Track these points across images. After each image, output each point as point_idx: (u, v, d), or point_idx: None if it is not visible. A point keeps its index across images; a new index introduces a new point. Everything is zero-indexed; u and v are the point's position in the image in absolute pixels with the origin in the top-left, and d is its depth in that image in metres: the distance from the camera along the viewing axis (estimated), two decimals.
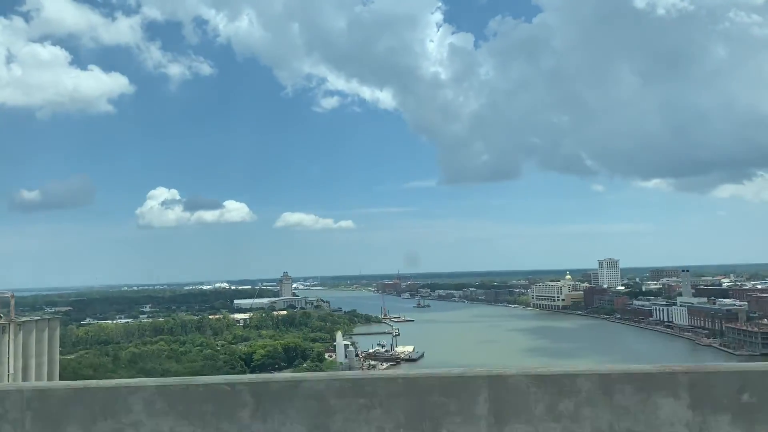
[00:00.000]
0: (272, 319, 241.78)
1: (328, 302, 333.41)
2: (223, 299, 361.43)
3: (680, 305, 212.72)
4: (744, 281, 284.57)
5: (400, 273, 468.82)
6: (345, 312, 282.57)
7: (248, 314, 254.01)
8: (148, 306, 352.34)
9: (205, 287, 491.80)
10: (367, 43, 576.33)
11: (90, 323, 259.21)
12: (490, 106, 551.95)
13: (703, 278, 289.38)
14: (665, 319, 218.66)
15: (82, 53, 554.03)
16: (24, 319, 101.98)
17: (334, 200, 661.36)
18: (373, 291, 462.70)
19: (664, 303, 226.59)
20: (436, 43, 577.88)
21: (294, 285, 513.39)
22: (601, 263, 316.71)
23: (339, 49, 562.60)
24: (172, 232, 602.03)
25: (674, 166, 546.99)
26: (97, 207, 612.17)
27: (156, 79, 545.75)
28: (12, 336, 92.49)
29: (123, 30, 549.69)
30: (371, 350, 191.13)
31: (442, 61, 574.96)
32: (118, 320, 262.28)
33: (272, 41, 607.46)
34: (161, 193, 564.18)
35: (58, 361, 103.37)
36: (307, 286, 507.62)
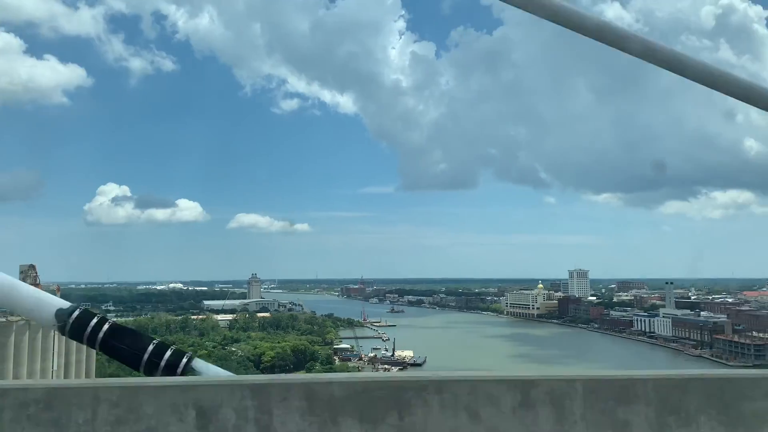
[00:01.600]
0: (257, 321, 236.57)
1: (301, 305, 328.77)
2: (190, 300, 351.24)
3: (663, 316, 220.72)
4: (704, 295, 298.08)
5: (364, 278, 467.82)
6: (323, 316, 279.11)
7: (231, 315, 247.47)
8: (109, 305, 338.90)
9: (158, 287, 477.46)
10: (329, 47, 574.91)
11: None
12: (450, 116, 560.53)
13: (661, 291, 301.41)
14: (647, 330, 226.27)
15: (39, 42, 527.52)
16: None
17: (290, 203, 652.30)
18: (337, 295, 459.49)
19: (646, 314, 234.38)
20: (398, 51, 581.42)
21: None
22: (571, 273, 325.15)
23: (301, 52, 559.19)
24: (121, 230, 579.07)
25: (624, 182, 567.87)
26: (44, 201, 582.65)
27: (116, 72, 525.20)
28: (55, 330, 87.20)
29: (85, 20, 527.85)
30: (371, 354, 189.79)
31: (404, 68, 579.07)
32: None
33: (233, 40, 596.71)
34: (111, 189, 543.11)
35: (94, 358, 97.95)
36: (266, 288, 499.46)
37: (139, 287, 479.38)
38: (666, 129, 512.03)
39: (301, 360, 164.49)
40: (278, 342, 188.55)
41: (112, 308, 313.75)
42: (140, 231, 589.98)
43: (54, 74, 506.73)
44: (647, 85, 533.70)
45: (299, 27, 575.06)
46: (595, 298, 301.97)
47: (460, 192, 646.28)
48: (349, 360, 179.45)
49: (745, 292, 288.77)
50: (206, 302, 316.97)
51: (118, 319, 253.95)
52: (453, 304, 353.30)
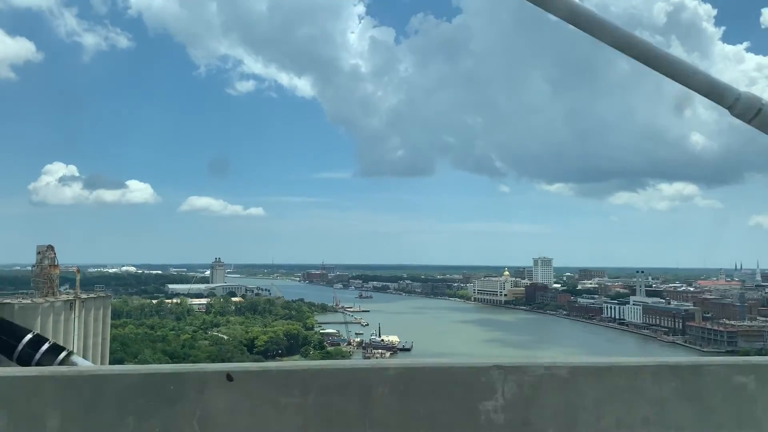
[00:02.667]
0: (234, 305, 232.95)
1: (268, 290, 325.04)
2: (151, 283, 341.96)
3: (633, 304, 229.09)
4: (660, 283, 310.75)
5: (325, 263, 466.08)
6: (294, 301, 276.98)
7: (203, 300, 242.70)
8: (65, 287, 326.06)
9: (110, 270, 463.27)
10: (287, 29, 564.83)
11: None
12: (408, 103, 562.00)
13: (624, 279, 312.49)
14: (616, 317, 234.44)
15: None
16: (85, 296, 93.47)
17: (244, 186, 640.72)
18: (298, 280, 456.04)
19: (616, 302, 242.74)
20: (357, 36, 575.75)
21: (206, 272, 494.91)
22: (536, 261, 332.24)
23: (258, 33, 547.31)
24: (68, 210, 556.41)
25: (576, 172, 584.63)
26: None
27: (68, 48, 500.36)
28: (77, 313, 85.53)
29: None
30: (356, 339, 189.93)
31: (363, 54, 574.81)
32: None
33: (188, 18, 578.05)
34: (58, 169, 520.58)
35: (109, 340, 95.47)
36: (229, 272, 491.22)
37: (91, 269, 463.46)
38: (618, 121, 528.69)
39: (294, 345, 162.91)
40: (260, 327, 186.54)
41: (68, 291, 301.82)
42: (88, 212, 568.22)
43: (1, 47, 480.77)
44: (601, 77, 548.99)
45: (257, 7, 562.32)
46: (559, 285, 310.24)
47: (417, 179, 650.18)
48: (339, 345, 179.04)
49: (700, 281, 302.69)
50: (171, 286, 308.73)
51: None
52: (419, 290, 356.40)
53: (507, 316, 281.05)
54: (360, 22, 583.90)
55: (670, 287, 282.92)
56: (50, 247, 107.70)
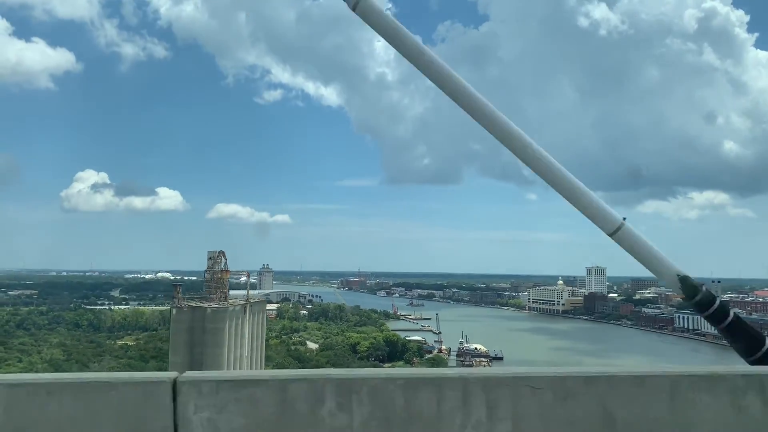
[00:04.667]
0: (308, 311, 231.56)
1: (320, 297, 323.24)
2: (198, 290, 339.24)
3: None
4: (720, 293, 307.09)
5: (361, 270, 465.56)
6: (358, 307, 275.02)
7: (273, 305, 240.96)
8: (116, 292, 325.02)
9: (145, 276, 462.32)
10: (314, 38, 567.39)
11: (106, 308, 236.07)
12: (435, 111, 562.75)
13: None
14: (690, 327, 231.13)
15: (30, 25, 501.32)
16: (253, 300, 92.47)
17: (271, 194, 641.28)
18: (336, 287, 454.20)
19: (688, 311, 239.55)
20: (383, 44, 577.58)
21: (243, 278, 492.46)
22: (589, 271, 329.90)
23: (286, 42, 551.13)
24: (99, 217, 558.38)
25: (605, 180, 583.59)
26: (21, 187, 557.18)
27: (106, 58, 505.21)
28: (248, 317, 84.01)
29: (80, 4, 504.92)
30: (443, 347, 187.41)
31: (389, 62, 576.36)
32: (124, 306, 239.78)
33: (217, 28, 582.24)
34: (90, 176, 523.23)
35: (264, 346, 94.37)
36: (257, 278, 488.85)
37: (127, 276, 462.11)
38: (648, 129, 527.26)
39: (393, 351, 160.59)
40: (336, 333, 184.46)
41: (125, 297, 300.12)
42: (119, 219, 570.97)
43: (42, 58, 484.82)
44: (630, 85, 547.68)
45: (285, 17, 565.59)
46: (616, 295, 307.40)
47: (443, 187, 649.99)
48: (431, 352, 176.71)
49: (756, 292, 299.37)
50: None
51: (156, 308, 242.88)
52: (466, 299, 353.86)
53: (566, 325, 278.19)
54: None
55: (728, 297, 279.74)
56: (221, 253, 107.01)
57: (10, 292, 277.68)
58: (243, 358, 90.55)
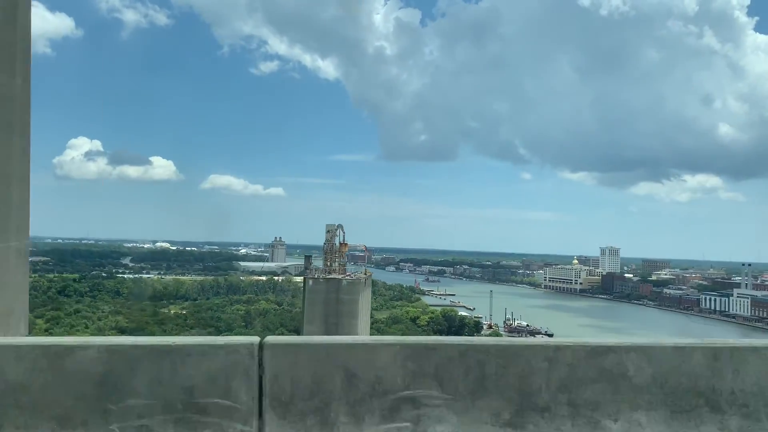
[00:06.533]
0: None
1: None
2: (217, 261, 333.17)
3: (738, 296, 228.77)
4: (723, 277, 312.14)
5: (367, 246, 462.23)
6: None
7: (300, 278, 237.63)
8: (127, 261, 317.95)
9: (143, 246, 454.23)
10: (313, 9, 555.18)
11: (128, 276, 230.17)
12: (433, 86, 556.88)
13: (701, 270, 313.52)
14: (718, 309, 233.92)
15: None
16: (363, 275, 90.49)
17: (266, 166, 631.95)
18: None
19: (715, 293, 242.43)
20: (382, 17, 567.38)
21: (243, 250, 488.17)
22: (603, 251, 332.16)
23: (283, 13, 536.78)
24: (92, 185, 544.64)
25: (601, 161, 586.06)
26: None
27: (107, 24, 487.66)
28: (366, 289, 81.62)
29: None
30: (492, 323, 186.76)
31: (388, 36, 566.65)
32: (147, 275, 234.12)
33: None
34: (83, 143, 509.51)
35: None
36: (260, 251, 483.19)
37: (127, 245, 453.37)
38: (645, 110, 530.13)
39: (451, 326, 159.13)
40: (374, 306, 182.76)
41: (143, 266, 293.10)
42: (112, 187, 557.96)
43: (41, 22, 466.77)
44: (629, 65, 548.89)
45: None
46: (631, 275, 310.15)
47: (439, 163, 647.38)
48: (490, 327, 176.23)
49: (764, 274, 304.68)
50: (244, 263, 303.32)
51: (165, 276, 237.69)
52: (478, 276, 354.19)
53: (586, 303, 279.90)
54: (386, 3, 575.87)
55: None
56: (340, 226, 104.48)
57: None
58: (368, 328, 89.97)
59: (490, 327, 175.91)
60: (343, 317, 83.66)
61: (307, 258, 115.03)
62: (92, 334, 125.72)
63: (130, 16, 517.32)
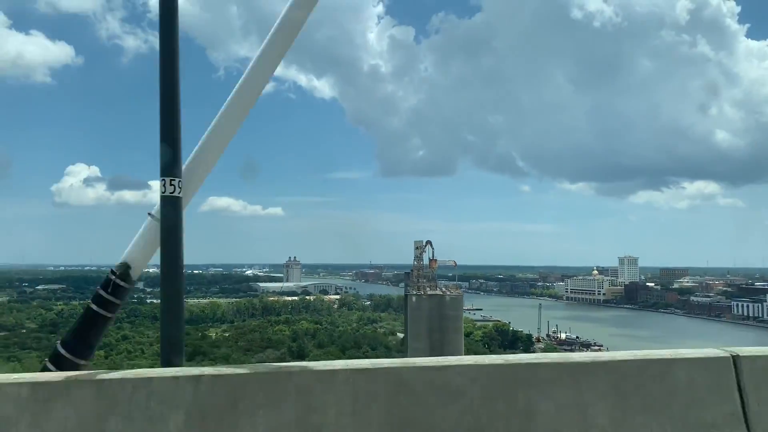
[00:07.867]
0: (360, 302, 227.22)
1: (355, 289, 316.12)
2: (226, 283, 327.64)
3: None
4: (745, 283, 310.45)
5: (372, 263, 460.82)
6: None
7: (335, 296, 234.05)
8: (140, 285, 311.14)
9: (150, 270, 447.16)
10: (307, 30, 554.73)
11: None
12: (429, 102, 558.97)
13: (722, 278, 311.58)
14: (751, 315, 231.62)
15: (32, 18, 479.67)
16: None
17: (263, 187, 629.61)
18: (351, 279, 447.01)
19: (748, 299, 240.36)
20: (376, 36, 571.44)
21: (249, 271, 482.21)
22: (622, 260, 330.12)
23: None
24: (91, 211, 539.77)
25: (599, 171, 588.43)
26: (8, 182, 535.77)
27: (106, 51, 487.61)
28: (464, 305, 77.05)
29: None
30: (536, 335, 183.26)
31: (382, 54, 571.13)
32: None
33: (208, 20, 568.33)
34: (81, 170, 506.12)
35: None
36: (265, 272, 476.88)
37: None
38: (641, 119, 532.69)
39: (506, 340, 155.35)
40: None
41: (153, 290, 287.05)
42: (110, 213, 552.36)
43: (42, 51, 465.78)
44: (624, 76, 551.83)
45: (277, 9, 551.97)
46: (653, 284, 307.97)
47: (437, 179, 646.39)
48: (539, 340, 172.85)
49: None
50: (263, 285, 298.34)
51: (230, 300, 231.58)
52: (495, 290, 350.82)
53: (612, 313, 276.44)
54: (379, 22, 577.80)
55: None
56: (428, 243, 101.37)
57: (37, 287, 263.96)
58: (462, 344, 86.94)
59: (538, 340, 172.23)
60: (448, 333, 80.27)
61: (407, 275, 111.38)
62: (155, 360, 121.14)
63: (130, 42, 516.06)
